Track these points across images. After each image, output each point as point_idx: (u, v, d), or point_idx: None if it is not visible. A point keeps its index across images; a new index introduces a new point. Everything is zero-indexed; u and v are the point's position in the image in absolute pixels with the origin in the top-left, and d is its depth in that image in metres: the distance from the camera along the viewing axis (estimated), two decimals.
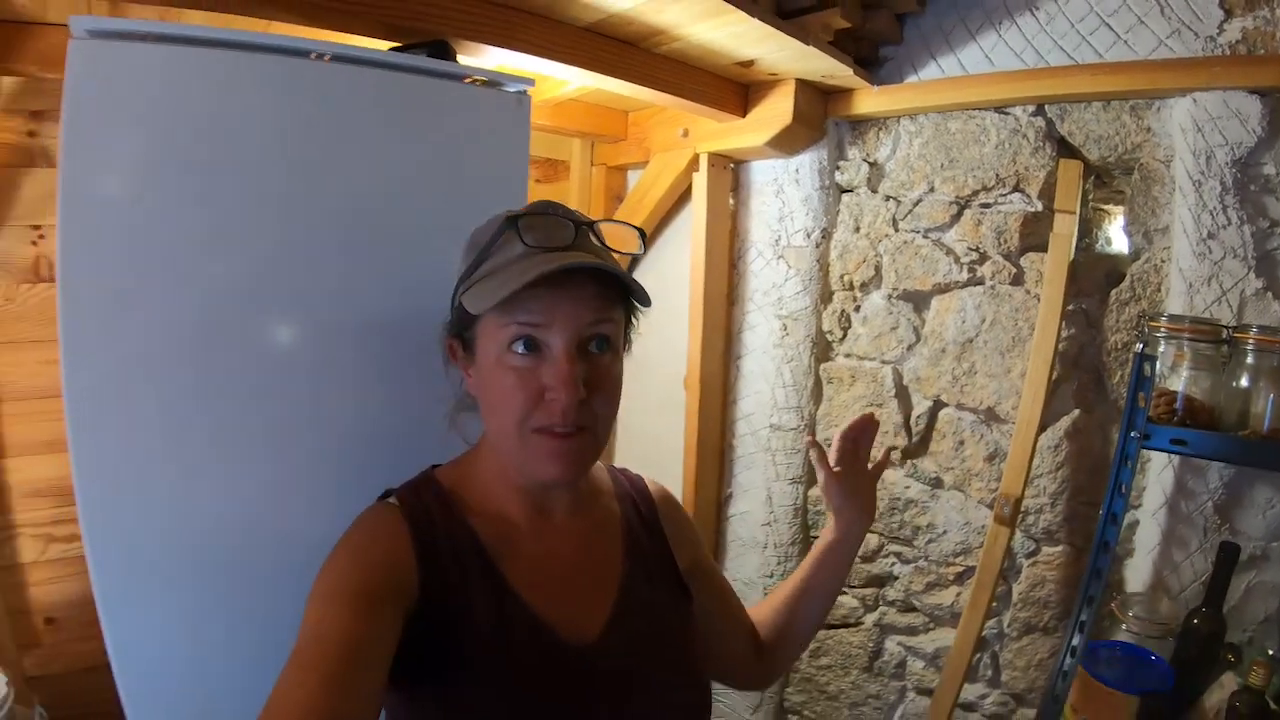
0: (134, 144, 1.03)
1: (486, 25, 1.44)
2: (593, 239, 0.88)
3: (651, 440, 2.49)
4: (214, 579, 1.12)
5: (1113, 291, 1.61)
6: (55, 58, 1.42)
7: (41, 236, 1.72)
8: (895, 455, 1.95)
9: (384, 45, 1.40)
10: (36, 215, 1.71)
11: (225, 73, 1.08)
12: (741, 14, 1.45)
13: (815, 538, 2.07)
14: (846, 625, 2.07)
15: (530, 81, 1.37)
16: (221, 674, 1.12)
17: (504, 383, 0.83)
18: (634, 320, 0.93)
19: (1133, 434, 1.36)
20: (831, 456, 1.13)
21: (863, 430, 1.14)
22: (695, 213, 2.18)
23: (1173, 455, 1.45)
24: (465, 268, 0.89)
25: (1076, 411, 1.66)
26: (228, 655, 1.12)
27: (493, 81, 1.34)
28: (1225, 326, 1.34)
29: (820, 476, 1.12)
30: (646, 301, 0.88)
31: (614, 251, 0.91)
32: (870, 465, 1.16)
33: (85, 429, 1.03)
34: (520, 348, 0.81)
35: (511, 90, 1.35)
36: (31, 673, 1.73)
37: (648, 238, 2.43)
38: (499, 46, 1.46)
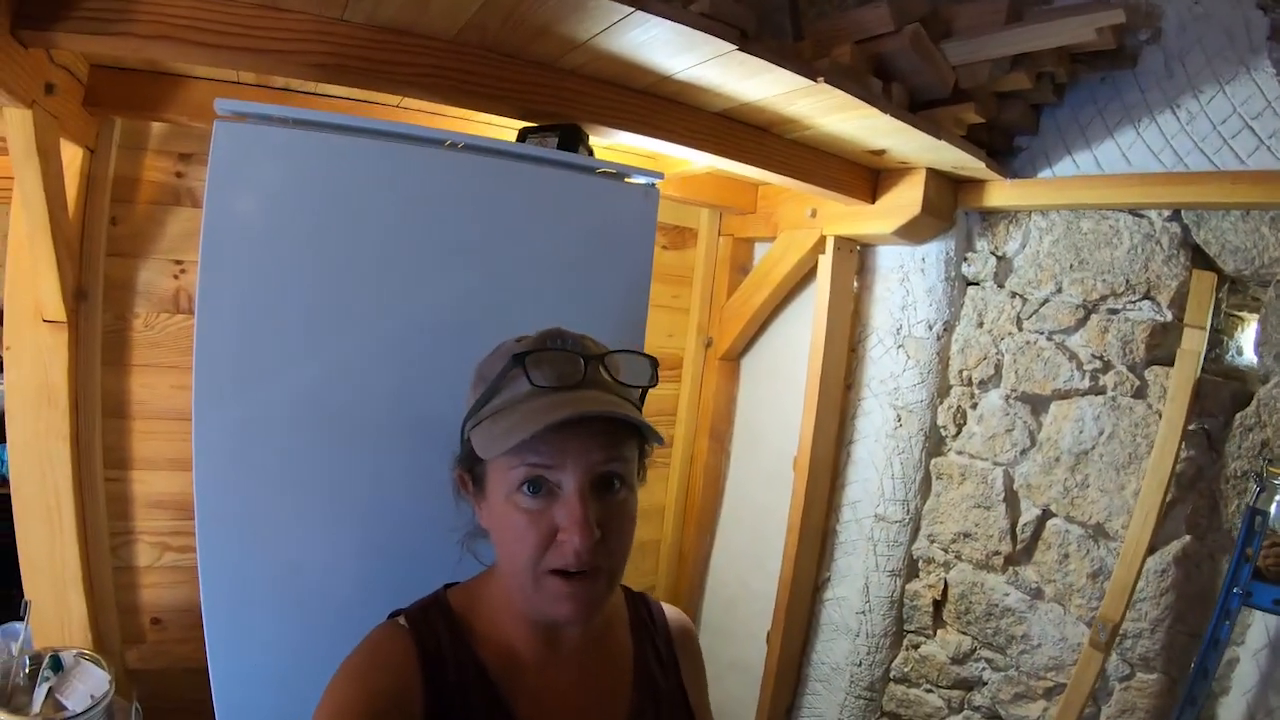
0: (268, 218, 1.13)
1: (622, 111, 1.49)
2: (603, 372, 0.86)
3: (759, 511, 2.49)
4: (311, 610, 1.20)
5: (1238, 415, 1.52)
6: (201, 106, 1.60)
7: (183, 270, 1.83)
8: (997, 561, 1.88)
9: (515, 125, 1.47)
10: (179, 250, 1.82)
11: (356, 156, 1.17)
12: (873, 109, 1.45)
13: (910, 631, 2.05)
14: None
15: (659, 175, 1.41)
16: (310, 693, 1.23)
17: (515, 523, 0.81)
18: (646, 450, 0.90)
19: (1235, 590, 1.29)
20: None
21: None
22: (818, 295, 2.18)
23: None
24: (473, 402, 0.87)
25: (1188, 537, 1.57)
26: (317, 677, 1.23)
27: (621, 173, 1.38)
28: None
29: None
30: (659, 440, 0.86)
31: (627, 385, 0.88)
32: None
33: (211, 466, 1.13)
34: (530, 489, 0.80)
35: (640, 182, 1.39)
36: (133, 666, 1.86)
37: (773, 311, 2.46)
38: (634, 132, 1.51)
